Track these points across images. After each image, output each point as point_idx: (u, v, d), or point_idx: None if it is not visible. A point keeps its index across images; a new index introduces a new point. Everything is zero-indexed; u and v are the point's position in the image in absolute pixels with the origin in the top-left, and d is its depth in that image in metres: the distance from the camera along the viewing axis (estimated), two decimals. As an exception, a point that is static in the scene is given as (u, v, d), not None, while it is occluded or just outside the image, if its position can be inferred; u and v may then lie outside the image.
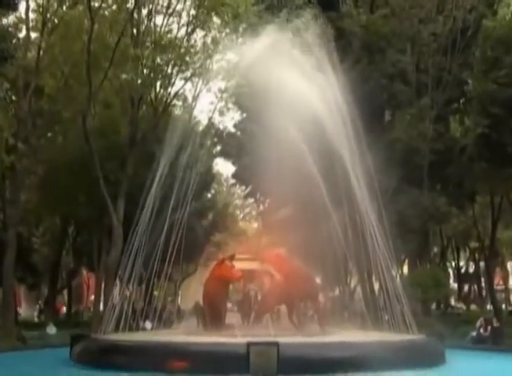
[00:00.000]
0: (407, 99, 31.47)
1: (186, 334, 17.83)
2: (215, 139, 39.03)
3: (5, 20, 27.85)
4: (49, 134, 34.10)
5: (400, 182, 29.80)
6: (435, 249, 49.13)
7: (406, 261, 38.78)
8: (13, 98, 31.51)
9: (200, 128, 36.30)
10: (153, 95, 31.57)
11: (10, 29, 28.25)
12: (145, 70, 29.40)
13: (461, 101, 35.06)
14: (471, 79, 32.63)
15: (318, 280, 31.48)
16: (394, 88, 30.75)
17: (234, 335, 16.25)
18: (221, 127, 39.08)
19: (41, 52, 28.72)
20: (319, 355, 14.08)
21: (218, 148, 40.47)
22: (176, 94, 32.11)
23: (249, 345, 13.57)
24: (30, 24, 29.44)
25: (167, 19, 30.69)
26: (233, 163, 39.63)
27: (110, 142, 31.48)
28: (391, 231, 21.37)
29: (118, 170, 30.67)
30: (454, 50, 31.33)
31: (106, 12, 29.47)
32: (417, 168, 30.87)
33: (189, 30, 30.48)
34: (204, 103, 35.03)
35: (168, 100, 31.90)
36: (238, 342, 14.54)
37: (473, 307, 53.10)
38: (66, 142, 33.10)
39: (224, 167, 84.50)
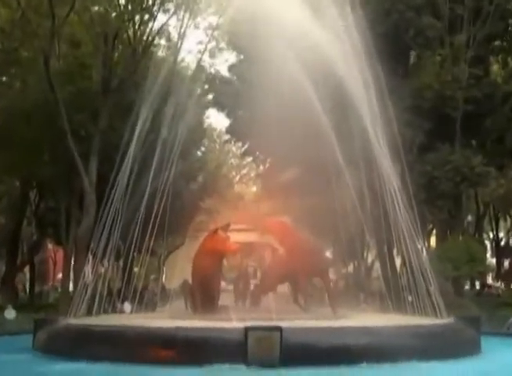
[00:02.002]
0: (438, 36, 31.21)
1: (172, 318, 18.06)
2: (206, 86, 38.87)
3: None
4: (4, 78, 33.92)
5: (428, 138, 29.84)
6: (469, 217, 49.52)
7: (434, 231, 39.05)
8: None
9: (188, 72, 36.17)
10: (130, 32, 31.40)
11: None
12: (121, 1, 29.17)
13: (505, 38, 34.71)
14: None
15: (328, 254, 31.82)
16: (422, 22, 30.39)
17: (229, 319, 16.42)
18: (212, 71, 38.96)
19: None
20: (328, 342, 14.18)
21: (210, 97, 40.35)
22: (159, 31, 31.99)
23: (247, 330, 13.75)
24: None
25: None
26: (228, 115, 39.52)
27: (79, 88, 31.33)
28: (417, 196, 21.51)
29: (89, 123, 30.69)
30: (497, -27, 30.97)
31: None
32: (449, 121, 30.82)
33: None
34: (192, 42, 34.65)
35: (149, 38, 31.77)
36: (234, 327, 14.71)
37: (514, 286, 53.56)
38: (26, 88, 32.92)
39: (217, 119, 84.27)
